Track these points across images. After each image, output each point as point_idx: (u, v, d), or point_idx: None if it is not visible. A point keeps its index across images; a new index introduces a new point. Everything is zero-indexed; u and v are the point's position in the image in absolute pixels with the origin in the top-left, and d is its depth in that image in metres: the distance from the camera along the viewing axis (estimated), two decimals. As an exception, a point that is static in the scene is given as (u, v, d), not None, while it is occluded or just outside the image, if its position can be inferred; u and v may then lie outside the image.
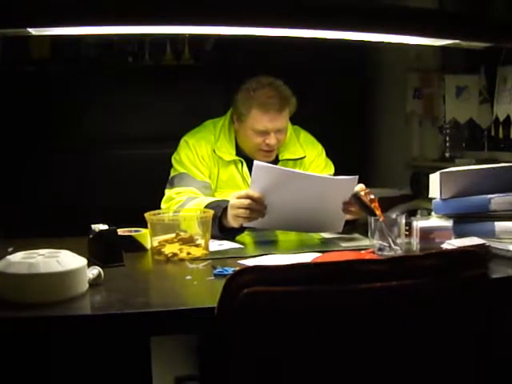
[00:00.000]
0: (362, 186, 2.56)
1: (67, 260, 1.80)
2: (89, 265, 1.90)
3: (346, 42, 2.55)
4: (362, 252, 2.31)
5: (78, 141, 4.46)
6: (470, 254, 1.62)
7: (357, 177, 2.51)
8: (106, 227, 2.30)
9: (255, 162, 2.53)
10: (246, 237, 2.77)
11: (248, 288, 1.42)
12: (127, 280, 2.05)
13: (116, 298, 1.82)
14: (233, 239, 2.68)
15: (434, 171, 2.58)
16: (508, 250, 2.24)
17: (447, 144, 4.34)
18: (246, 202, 2.53)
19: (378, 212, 2.39)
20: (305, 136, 3.21)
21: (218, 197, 2.92)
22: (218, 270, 2.07)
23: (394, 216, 2.38)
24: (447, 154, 4.33)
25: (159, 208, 2.88)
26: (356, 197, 2.49)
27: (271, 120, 2.91)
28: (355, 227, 2.75)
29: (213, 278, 2.04)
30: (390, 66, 4.83)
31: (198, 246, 2.41)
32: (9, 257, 1.81)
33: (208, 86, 4.54)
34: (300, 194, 2.54)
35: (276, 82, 2.97)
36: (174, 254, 2.34)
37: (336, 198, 2.58)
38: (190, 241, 2.41)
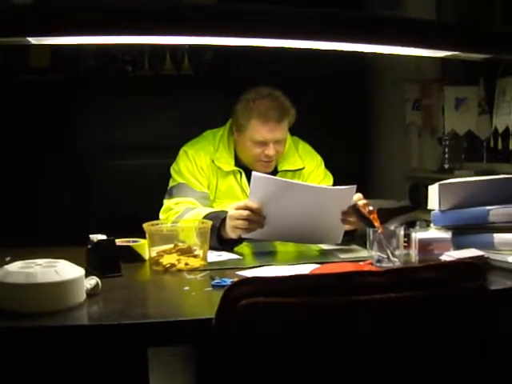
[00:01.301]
0: (359, 195, 2.57)
1: (65, 270, 1.80)
2: (87, 275, 1.90)
3: (344, 52, 2.55)
4: (361, 264, 2.31)
5: (77, 150, 4.46)
6: (469, 266, 1.62)
7: (355, 186, 2.51)
8: (104, 237, 2.30)
9: (253, 173, 2.53)
10: (244, 248, 2.76)
11: (246, 299, 1.42)
12: (125, 290, 2.05)
13: (113, 308, 1.81)
14: (231, 250, 2.67)
15: (432, 182, 2.58)
16: (507, 262, 2.24)
17: (446, 155, 4.34)
18: (245, 213, 2.53)
19: (376, 223, 2.39)
20: (303, 147, 3.21)
21: (217, 207, 2.92)
22: (216, 281, 2.07)
23: (392, 227, 2.38)
24: (446, 166, 4.32)
25: (157, 218, 2.88)
26: (354, 208, 2.50)
27: (270, 131, 2.91)
28: (353, 238, 2.75)
29: (211, 288, 2.04)
30: (388, 77, 4.83)
31: (196, 256, 2.40)
32: (6, 266, 1.81)
33: (207, 96, 4.53)
34: (298, 205, 2.54)
35: (275, 93, 2.98)
36: (172, 265, 2.33)
37: (334, 207, 2.57)
38: (188, 251, 2.40)
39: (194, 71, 4.71)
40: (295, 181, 2.83)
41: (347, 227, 2.64)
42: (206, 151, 3.04)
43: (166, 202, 2.97)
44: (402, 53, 2.63)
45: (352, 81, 4.72)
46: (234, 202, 2.70)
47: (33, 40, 2.21)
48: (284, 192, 2.52)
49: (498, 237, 2.37)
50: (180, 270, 2.32)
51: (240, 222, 2.54)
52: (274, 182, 2.57)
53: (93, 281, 1.92)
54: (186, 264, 2.34)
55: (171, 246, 2.40)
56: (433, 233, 2.50)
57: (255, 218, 2.53)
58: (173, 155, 3.10)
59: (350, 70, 4.51)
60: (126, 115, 4.50)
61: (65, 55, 4.47)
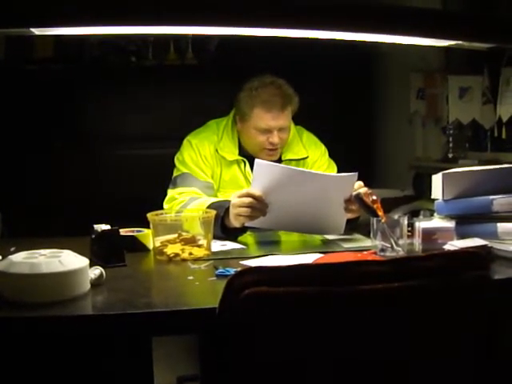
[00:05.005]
0: (360, 183, 2.57)
1: (69, 260, 1.80)
2: (91, 265, 1.90)
3: (349, 42, 2.55)
4: (364, 253, 2.31)
5: (81, 140, 4.46)
6: (472, 255, 1.62)
7: (356, 173, 2.52)
8: (108, 227, 2.30)
9: (256, 160, 2.53)
10: (248, 237, 2.77)
11: (249, 288, 1.42)
12: (129, 280, 2.05)
13: (118, 298, 1.82)
14: (235, 240, 2.68)
15: (436, 172, 2.57)
16: (510, 251, 2.24)
17: (450, 145, 4.34)
18: (247, 200, 2.53)
19: (380, 213, 2.39)
20: (308, 136, 3.21)
21: (221, 197, 2.93)
22: (219, 271, 2.07)
23: (396, 217, 2.38)
24: (450, 155, 4.33)
25: (162, 208, 2.89)
26: (358, 197, 2.50)
27: (274, 118, 2.91)
28: (356, 226, 2.75)
29: (215, 278, 2.04)
30: (393, 67, 4.83)
31: (200, 246, 2.41)
32: (11, 257, 1.81)
33: (211, 85, 4.53)
34: (301, 192, 2.54)
35: (278, 81, 2.98)
36: (176, 255, 2.33)
37: (336, 195, 2.57)
38: (192, 241, 2.41)
39: (198, 61, 4.71)
40: (296, 167, 2.83)
41: (349, 215, 2.64)
42: (209, 141, 3.05)
43: (170, 192, 2.97)
44: (406, 42, 2.62)
45: (356, 70, 4.71)
46: (238, 191, 2.69)
47: (36, 31, 2.21)
48: (286, 179, 2.52)
49: (502, 226, 2.37)
50: (184, 260, 2.32)
51: (243, 209, 2.54)
52: (276, 169, 2.57)
53: (97, 271, 1.93)
54: (190, 254, 2.34)
55: (175, 235, 2.41)
56: (436, 222, 2.50)
57: (258, 205, 2.53)
58: (177, 145, 3.10)
59: (355, 59, 4.50)
60: (130, 105, 4.51)
61: (68, 45, 4.47)
